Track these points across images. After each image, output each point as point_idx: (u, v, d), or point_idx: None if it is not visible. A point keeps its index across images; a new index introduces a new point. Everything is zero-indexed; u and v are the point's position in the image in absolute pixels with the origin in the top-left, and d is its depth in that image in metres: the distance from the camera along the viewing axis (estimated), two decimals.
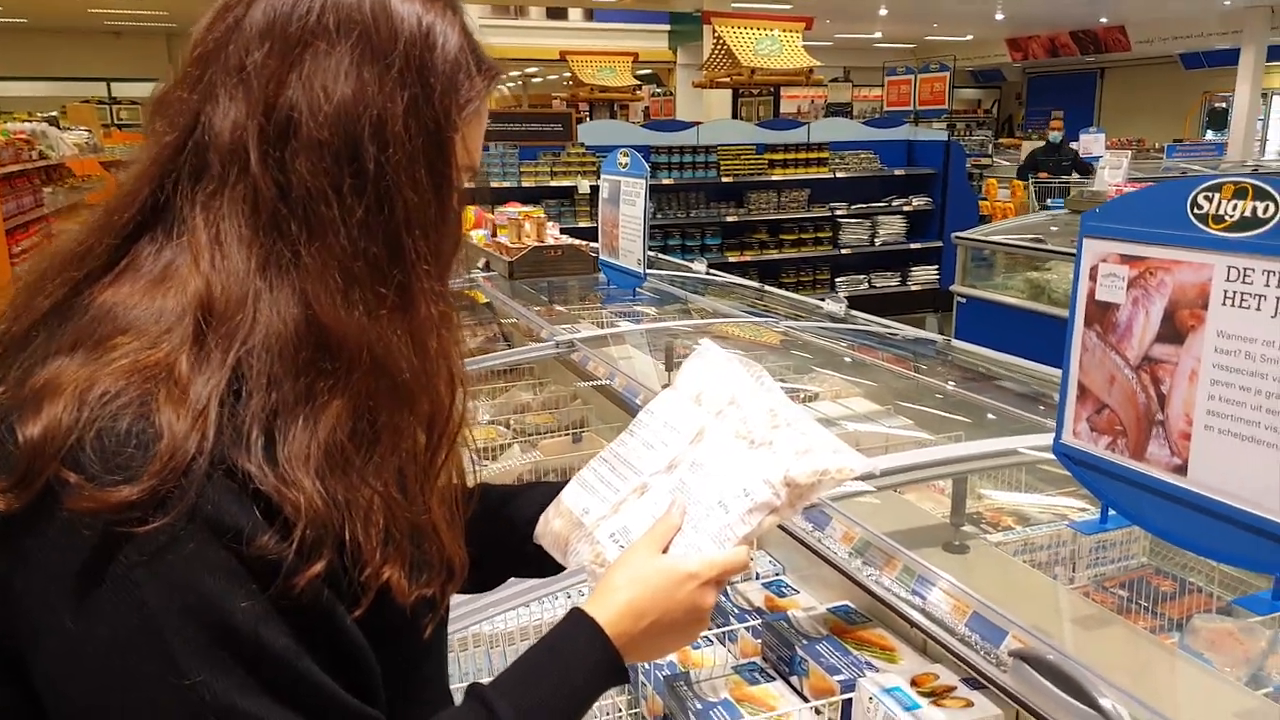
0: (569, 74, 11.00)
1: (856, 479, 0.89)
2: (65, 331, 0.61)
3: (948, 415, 2.18)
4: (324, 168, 0.62)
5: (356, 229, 0.63)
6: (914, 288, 8.43)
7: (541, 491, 0.99)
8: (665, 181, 7.46)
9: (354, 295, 0.63)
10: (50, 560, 0.56)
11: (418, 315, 0.67)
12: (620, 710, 1.50)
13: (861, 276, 8.31)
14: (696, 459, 0.85)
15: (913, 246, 8.38)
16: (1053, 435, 1.15)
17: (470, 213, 4.00)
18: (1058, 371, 1.12)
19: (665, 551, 0.83)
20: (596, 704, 1.50)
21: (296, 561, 0.59)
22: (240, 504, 0.58)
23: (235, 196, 0.62)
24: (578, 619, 0.77)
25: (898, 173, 8.33)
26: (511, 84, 19.52)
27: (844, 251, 8.17)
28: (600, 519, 0.88)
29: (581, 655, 0.75)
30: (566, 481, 0.97)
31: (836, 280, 8.15)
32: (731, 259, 7.58)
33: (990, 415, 2.15)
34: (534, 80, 19.94)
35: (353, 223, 0.63)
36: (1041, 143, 9.43)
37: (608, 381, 2.33)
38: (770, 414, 0.88)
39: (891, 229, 8.33)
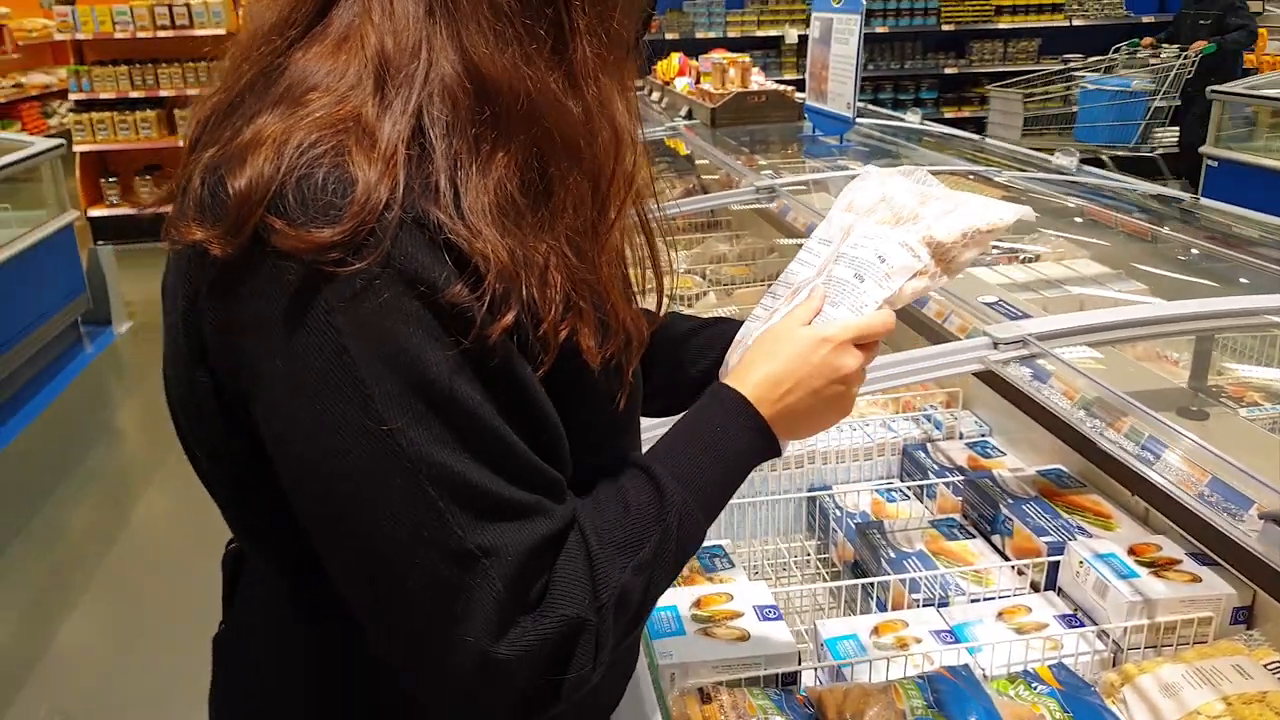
0: None
1: (1009, 225, 0.81)
2: (268, 93, 0.63)
3: (1192, 280, 1.95)
4: None
5: None
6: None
7: (728, 326, 0.96)
8: (878, 30, 6.98)
9: (506, 34, 0.61)
10: (261, 304, 0.58)
11: (574, 58, 0.64)
12: (809, 554, 1.49)
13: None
14: (842, 251, 0.82)
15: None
16: None
17: (674, 60, 3.89)
18: None
19: None
20: (785, 545, 1.51)
21: (488, 314, 0.59)
22: (433, 253, 0.58)
23: None
24: (717, 392, 0.76)
25: (1145, 20, 7.40)
26: None
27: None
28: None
29: (729, 423, 0.74)
30: None
31: (1061, 148, 7.45)
32: (948, 114, 7.08)
33: (1243, 281, 1.91)
34: None
35: None
36: None
37: (807, 231, 2.24)
38: (920, 195, 0.83)
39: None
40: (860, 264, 0.79)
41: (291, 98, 0.61)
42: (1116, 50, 6.73)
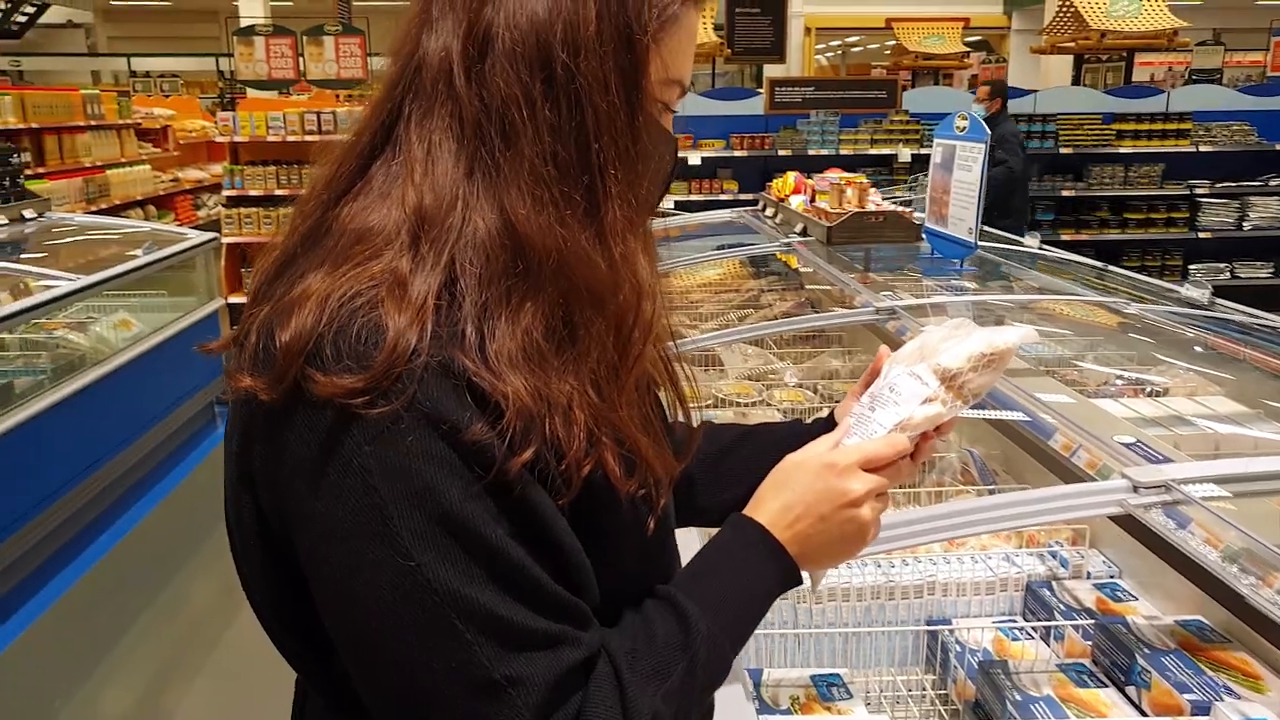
0: (890, 42, 10.59)
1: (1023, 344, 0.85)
2: (316, 249, 0.69)
3: None
4: (518, 76, 0.66)
5: (548, 133, 0.66)
6: None
7: (766, 438, 0.99)
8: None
9: (544, 198, 0.66)
10: (300, 448, 0.63)
11: (604, 220, 0.69)
12: (925, 689, 1.44)
13: (1223, 265, 7.31)
14: (870, 392, 0.87)
15: None
16: None
17: (790, 178, 3.98)
18: None
19: None
20: (900, 678, 1.47)
21: (508, 451, 0.63)
22: (456, 396, 0.62)
23: (443, 113, 0.68)
24: (736, 522, 0.79)
25: (1279, 147, 7.22)
26: (830, 53, 19.10)
27: (1202, 235, 7.23)
28: None
29: (749, 553, 0.77)
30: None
31: (1190, 267, 7.25)
32: (1065, 237, 6.97)
33: None
34: (853, 49, 19.39)
35: (543, 127, 0.66)
36: None
37: None
38: (946, 335, 0.87)
39: (1266, 211, 7.24)
40: (875, 397, 0.84)
41: (336, 254, 0.67)
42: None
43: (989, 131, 2.52)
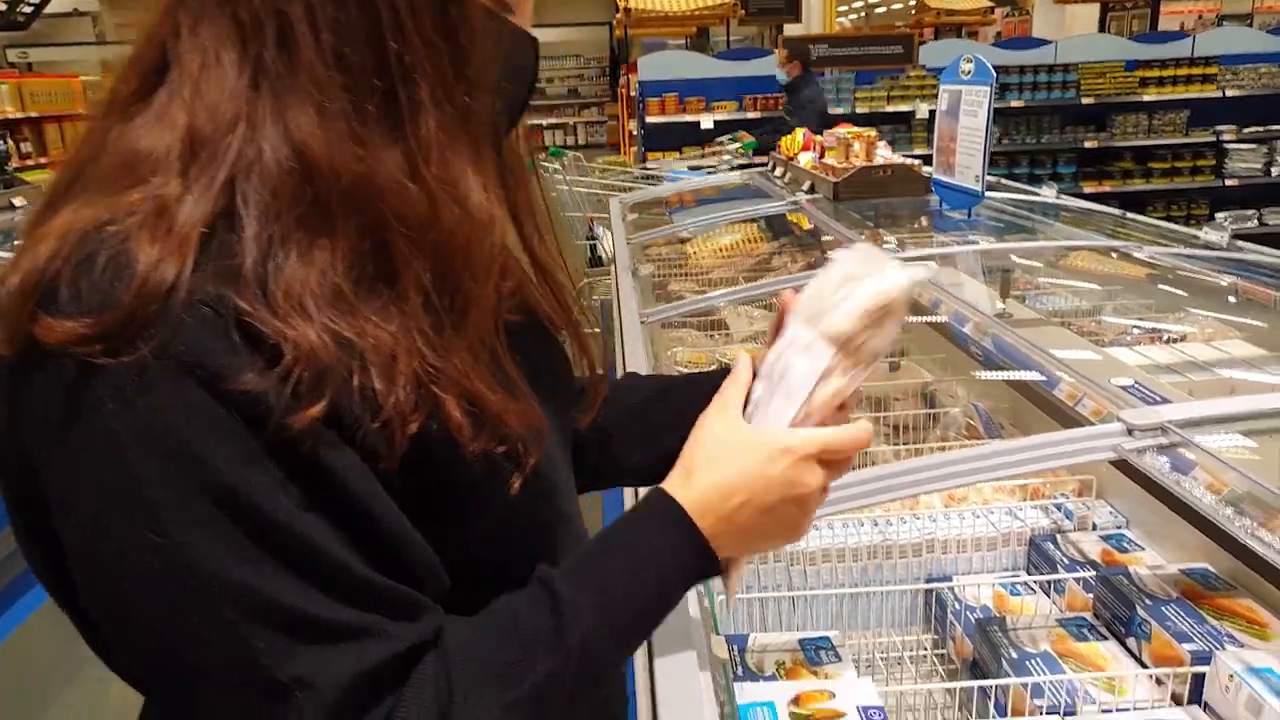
0: (913, 1, 10.36)
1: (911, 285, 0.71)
2: (81, 179, 0.59)
3: None
4: None
5: (329, 30, 0.56)
6: None
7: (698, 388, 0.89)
8: (1014, 104, 6.83)
9: (332, 111, 0.56)
10: (38, 405, 0.53)
11: (413, 136, 0.58)
12: (925, 649, 1.40)
13: (1250, 212, 7.12)
14: (770, 359, 0.75)
15: None
16: None
17: (799, 135, 3.89)
18: None
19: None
20: (900, 639, 1.43)
21: (292, 401, 0.53)
22: (224, 340, 0.52)
23: (220, 16, 0.57)
24: (654, 498, 0.67)
25: None
26: (853, 14, 18.76)
27: (1229, 183, 7.04)
28: None
29: (662, 538, 0.65)
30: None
31: (1216, 216, 7.06)
32: (1088, 189, 6.81)
33: None
34: (876, 10, 19.04)
35: (323, 23, 0.56)
36: None
37: (932, 307, 2.17)
38: (839, 283, 0.73)
39: None
40: (770, 378, 0.73)
41: (96, 183, 0.57)
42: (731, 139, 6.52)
43: (994, 74, 2.43)
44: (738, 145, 6.32)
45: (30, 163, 6.07)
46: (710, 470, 0.67)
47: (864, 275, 0.71)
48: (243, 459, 0.52)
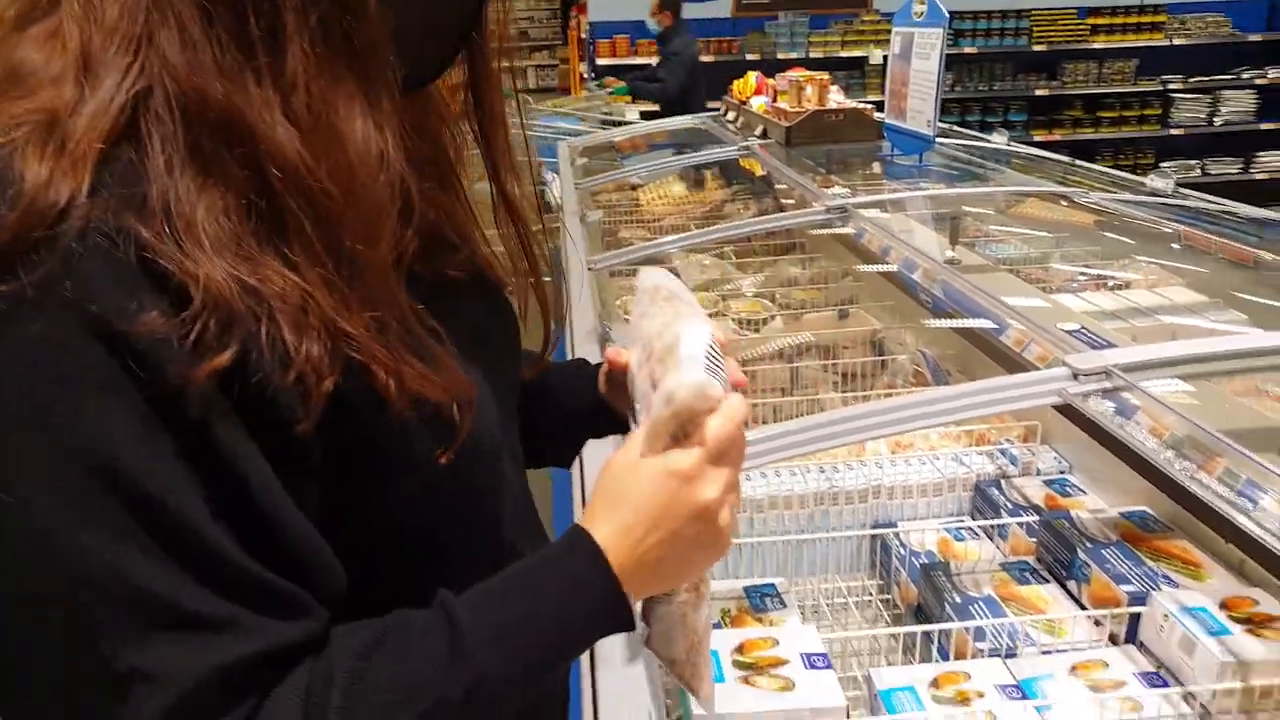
0: None
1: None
2: None
3: None
4: None
5: None
6: (1259, 176, 7.23)
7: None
8: (967, 50, 6.81)
9: (194, 38, 0.51)
10: None
11: (280, 68, 0.52)
12: (870, 595, 1.41)
13: (1194, 162, 7.24)
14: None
15: (1263, 128, 7.14)
16: None
17: (750, 79, 3.84)
18: None
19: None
20: (845, 584, 1.44)
21: (194, 352, 0.47)
22: (121, 277, 0.47)
23: None
24: (572, 538, 0.62)
25: (1253, 39, 7.07)
26: None
27: (1174, 132, 7.13)
28: None
29: (571, 579, 0.60)
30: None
31: (1162, 165, 7.15)
32: (1038, 137, 6.86)
33: None
34: None
35: None
36: None
37: (882, 255, 2.16)
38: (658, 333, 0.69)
39: (1238, 106, 7.14)
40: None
41: None
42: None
43: (947, 15, 2.40)
44: (608, 91, 6.20)
45: None
46: (607, 514, 0.62)
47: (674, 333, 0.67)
48: (121, 418, 0.46)
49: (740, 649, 1.02)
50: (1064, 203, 2.64)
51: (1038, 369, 1.35)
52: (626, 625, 0.62)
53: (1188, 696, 0.99)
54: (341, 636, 0.54)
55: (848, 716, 0.95)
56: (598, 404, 0.90)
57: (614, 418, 0.90)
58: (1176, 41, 6.95)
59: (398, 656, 0.53)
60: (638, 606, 0.65)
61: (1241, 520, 0.88)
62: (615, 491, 0.62)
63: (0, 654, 0.48)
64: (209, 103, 0.51)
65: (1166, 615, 1.03)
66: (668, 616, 0.68)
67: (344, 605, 0.56)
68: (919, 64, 2.51)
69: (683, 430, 0.62)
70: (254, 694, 0.49)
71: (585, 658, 0.89)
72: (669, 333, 0.66)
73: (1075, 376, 1.12)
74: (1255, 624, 1.02)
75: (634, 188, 3.55)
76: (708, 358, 0.64)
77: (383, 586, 0.59)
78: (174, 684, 0.46)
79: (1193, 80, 7.08)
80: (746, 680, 0.97)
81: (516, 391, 0.78)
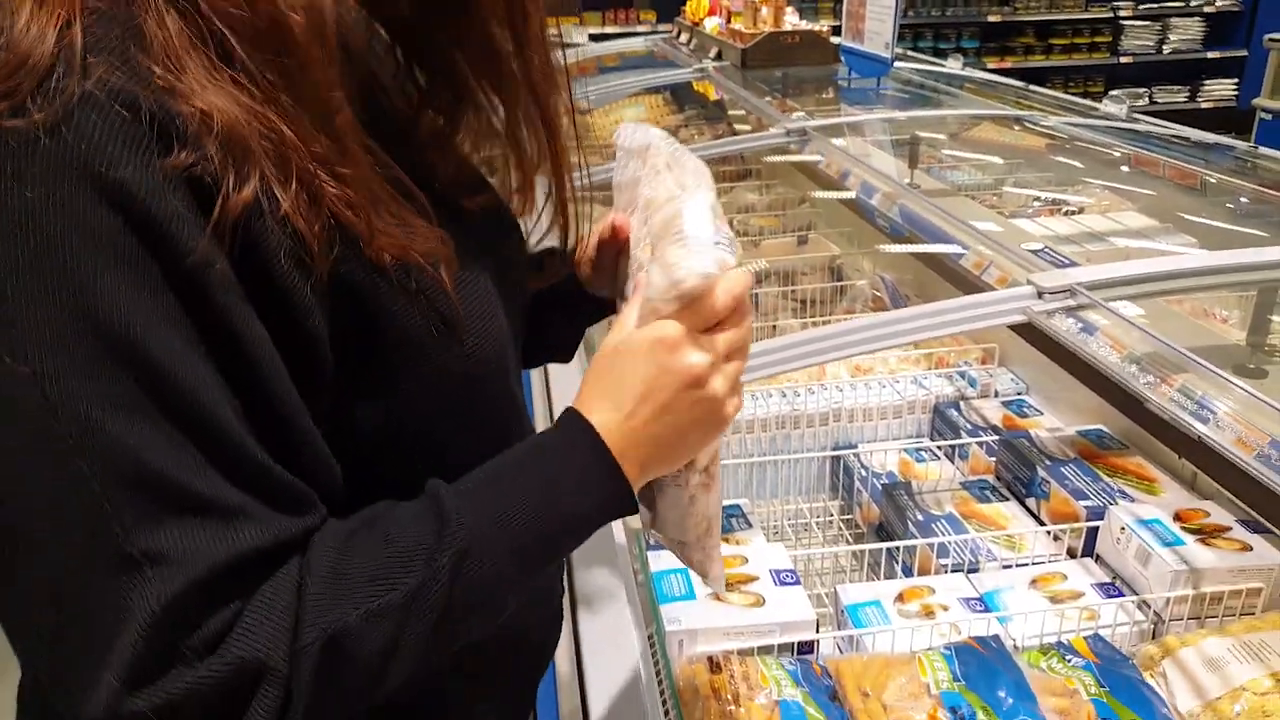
0: None
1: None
2: None
3: (1249, 232, 1.84)
4: None
5: None
6: (1205, 105, 7.31)
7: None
8: None
9: None
10: None
11: None
12: (832, 515, 1.43)
13: (1142, 90, 7.28)
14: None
15: (1209, 55, 7.20)
16: None
17: None
18: None
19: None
20: (806, 505, 1.45)
21: (218, 197, 0.46)
22: (131, 135, 0.44)
23: None
24: (566, 419, 0.60)
25: None
26: None
27: (1123, 60, 7.16)
28: None
29: (571, 462, 0.58)
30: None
31: (1111, 93, 7.18)
32: (990, 64, 6.83)
33: None
34: None
35: None
36: None
37: (840, 179, 2.15)
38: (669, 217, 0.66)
39: (1186, 33, 7.18)
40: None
41: None
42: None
43: None
44: None
45: None
46: (599, 394, 0.60)
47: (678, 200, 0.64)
48: (135, 292, 0.44)
49: None
50: (1016, 127, 2.65)
51: (996, 290, 1.36)
52: (627, 505, 0.60)
53: (1142, 604, 1.02)
54: (329, 525, 0.53)
55: (817, 630, 0.96)
56: (576, 290, 0.85)
57: (596, 304, 0.86)
58: None
59: (382, 544, 0.53)
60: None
61: (1201, 430, 0.89)
62: (604, 370, 0.61)
63: (9, 532, 0.46)
64: None
65: (1123, 528, 1.05)
66: (677, 499, 0.67)
67: (343, 509, 0.55)
68: None
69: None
70: (254, 583, 0.49)
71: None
72: (670, 206, 0.63)
73: (1040, 295, 1.12)
74: (1207, 534, 1.05)
75: (584, 112, 3.47)
76: (715, 234, 0.61)
77: (386, 495, 0.57)
78: (184, 569, 0.45)
79: (1142, 7, 7.10)
80: (717, 597, 0.98)
81: (524, 315, 0.77)
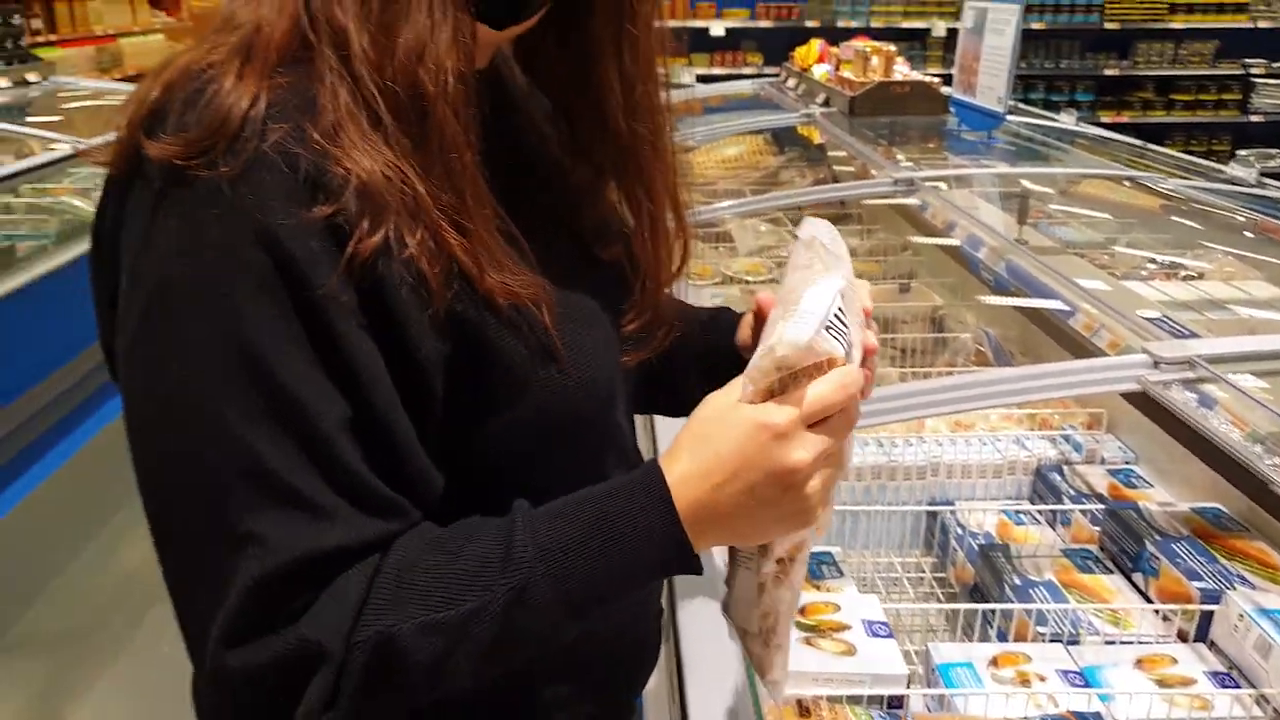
0: None
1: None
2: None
3: None
4: None
5: None
6: None
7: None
8: (1034, 26, 6.61)
9: None
10: (135, 212, 0.57)
11: None
12: (924, 572, 1.39)
13: (1274, 150, 6.97)
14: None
15: None
16: None
17: (814, 47, 3.76)
18: None
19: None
20: (899, 560, 1.42)
21: (350, 242, 0.54)
22: (289, 189, 0.54)
23: None
24: (648, 470, 0.61)
25: None
26: None
27: (1254, 118, 6.87)
28: None
29: (638, 515, 0.59)
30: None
31: (1239, 153, 6.91)
32: (1105, 119, 6.66)
33: None
34: None
35: None
36: None
37: (946, 229, 2.12)
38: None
39: None
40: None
41: (204, 38, 0.60)
42: None
43: None
44: None
45: (40, 39, 5.87)
46: (691, 452, 0.61)
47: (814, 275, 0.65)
48: (270, 319, 0.53)
49: (803, 611, 1.01)
50: (1127, 184, 2.57)
51: (1107, 355, 1.32)
52: (685, 568, 0.61)
53: (1261, 699, 0.96)
54: (420, 528, 0.59)
55: (908, 686, 0.94)
56: (728, 351, 0.85)
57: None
58: (1261, 24, 6.69)
59: (453, 558, 0.57)
60: (719, 565, 0.64)
61: None
62: (702, 433, 0.61)
63: (159, 495, 0.56)
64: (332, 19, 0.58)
65: (1242, 615, 1.00)
66: (748, 584, 0.67)
67: (445, 519, 0.61)
68: (992, 39, 2.44)
69: (783, 386, 0.60)
70: (333, 576, 0.55)
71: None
72: (802, 286, 0.64)
73: (1156, 364, 1.09)
74: None
75: (688, 150, 3.50)
76: (829, 316, 0.61)
77: (487, 509, 0.62)
78: (276, 554, 0.53)
79: (1277, 65, 6.82)
80: (809, 641, 0.96)
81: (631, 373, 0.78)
